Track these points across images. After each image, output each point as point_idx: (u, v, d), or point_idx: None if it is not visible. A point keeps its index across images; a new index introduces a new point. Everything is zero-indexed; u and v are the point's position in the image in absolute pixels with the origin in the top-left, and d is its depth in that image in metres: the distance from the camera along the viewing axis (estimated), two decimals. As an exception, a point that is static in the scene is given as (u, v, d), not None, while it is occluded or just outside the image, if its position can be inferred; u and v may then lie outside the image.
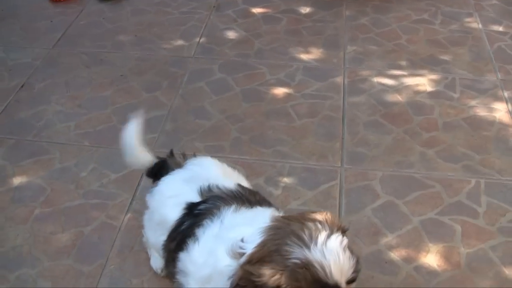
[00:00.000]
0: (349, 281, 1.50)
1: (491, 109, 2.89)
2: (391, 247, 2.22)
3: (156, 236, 1.96)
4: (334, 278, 1.46)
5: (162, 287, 2.10)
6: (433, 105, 2.91)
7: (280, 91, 2.99)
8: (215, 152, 2.61)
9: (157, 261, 2.13)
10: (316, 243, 1.46)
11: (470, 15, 3.64)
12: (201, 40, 3.40)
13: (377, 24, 3.52)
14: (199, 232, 1.75)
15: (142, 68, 3.18)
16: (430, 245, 2.23)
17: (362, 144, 2.68)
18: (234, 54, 3.27)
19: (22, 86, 3.07)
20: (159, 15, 3.65)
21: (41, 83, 3.09)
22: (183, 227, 1.83)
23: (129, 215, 2.36)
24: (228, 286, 1.54)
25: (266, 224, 1.54)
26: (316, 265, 1.45)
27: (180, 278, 1.78)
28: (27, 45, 3.39)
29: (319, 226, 1.50)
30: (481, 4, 3.76)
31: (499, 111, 2.88)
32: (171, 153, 2.09)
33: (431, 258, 2.18)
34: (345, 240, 1.51)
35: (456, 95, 2.97)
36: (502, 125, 2.79)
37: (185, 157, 2.10)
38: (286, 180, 2.49)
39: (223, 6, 3.72)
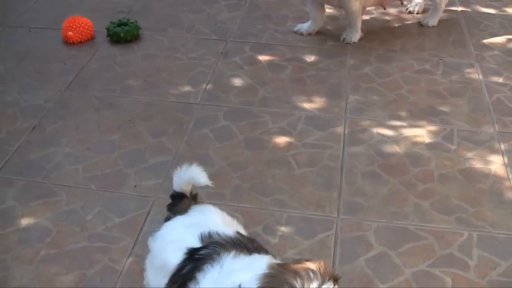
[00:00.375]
0: None
1: (487, 162, 2.96)
2: (382, 299, 2.29)
3: (157, 279, 2.04)
4: None
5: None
6: (430, 156, 2.99)
7: (281, 139, 3.09)
8: (216, 199, 2.70)
9: None
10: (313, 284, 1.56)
11: (471, 65, 3.74)
12: (207, 87, 3.52)
13: (380, 74, 3.62)
14: (200, 276, 1.83)
15: (149, 113, 3.30)
16: (421, 297, 2.30)
17: (358, 195, 2.76)
18: (239, 102, 3.38)
19: (34, 128, 3.19)
20: (168, 60, 3.78)
21: (52, 125, 3.21)
22: (184, 271, 1.92)
23: (131, 259, 2.45)
24: None
25: (263, 271, 1.63)
26: None
27: None
28: (40, 87, 3.52)
29: (311, 275, 1.58)
30: (482, 55, 3.86)
31: (495, 163, 2.95)
32: (183, 195, 2.21)
33: (421, 311, 2.25)
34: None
35: (453, 147, 3.05)
36: (497, 178, 2.87)
37: (195, 198, 2.23)
38: (283, 229, 2.58)
39: (231, 53, 3.84)
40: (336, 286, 1.60)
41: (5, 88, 3.53)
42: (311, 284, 1.57)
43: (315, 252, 2.46)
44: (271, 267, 1.66)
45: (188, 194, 2.24)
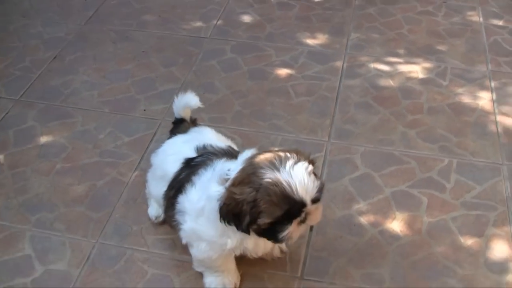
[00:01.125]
0: (314, 200, 1.87)
1: (475, 97, 3.13)
2: (361, 213, 2.51)
3: (158, 188, 2.32)
4: (299, 194, 1.82)
5: (157, 233, 2.45)
6: (422, 90, 3.16)
7: (283, 71, 3.29)
8: (218, 122, 2.93)
9: (153, 210, 2.49)
10: (285, 167, 1.83)
11: (473, 8, 3.86)
12: (218, 23, 3.72)
13: (383, 14, 3.77)
14: (195, 178, 2.11)
15: (162, 45, 3.52)
16: (397, 213, 2.52)
17: (350, 122, 2.97)
18: (247, 37, 3.58)
19: (54, 58, 3.44)
20: (183, -3, 3.99)
21: (71, 55, 3.46)
22: (181, 176, 2.20)
23: (136, 172, 2.71)
24: (217, 209, 1.92)
25: (247, 157, 1.92)
26: (284, 183, 1.81)
27: (178, 217, 2.14)
28: (61, 21, 3.76)
29: (288, 155, 1.87)
30: (486, -2, 3.98)
31: (483, 99, 3.12)
32: (183, 120, 2.45)
33: (396, 224, 2.47)
34: (310, 167, 1.87)
35: (445, 83, 3.22)
36: (483, 112, 3.03)
37: (195, 122, 2.49)
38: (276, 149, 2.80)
39: (243, -8, 4.03)
40: (311, 167, 1.87)
41: (30, 21, 3.78)
42: (287, 162, 1.83)
43: (304, 172, 2.69)
44: (254, 154, 1.93)
45: (187, 119, 2.48)
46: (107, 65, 3.37)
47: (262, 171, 1.84)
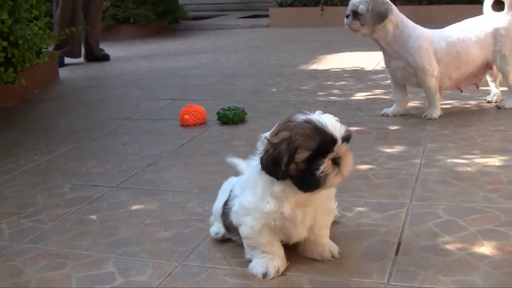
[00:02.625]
0: (344, 138, 2.12)
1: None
2: (447, 243, 2.49)
3: (218, 203, 2.60)
4: (330, 129, 2.08)
5: (241, 256, 2.46)
6: (500, 172, 3.22)
7: (363, 167, 3.44)
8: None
9: (214, 228, 2.66)
10: (314, 113, 2.13)
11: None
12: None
13: (457, 133, 3.97)
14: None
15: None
16: (484, 242, 2.46)
17: (430, 192, 3.02)
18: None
19: (150, 164, 3.74)
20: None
21: (165, 163, 3.75)
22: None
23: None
24: (258, 165, 2.19)
25: None
26: (315, 120, 2.09)
27: (230, 206, 2.40)
28: (158, 147, 4.12)
29: (317, 111, 2.17)
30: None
31: None
32: None
33: (484, 249, 2.40)
34: (338, 119, 2.16)
35: (523, 171, 3.28)
36: None
37: None
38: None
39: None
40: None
41: (128, 146, 4.16)
42: (316, 112, 2.15)
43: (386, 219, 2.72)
44: None
45: None
46: (197, 168, 3.62)
47: (295, 117, 2.14)
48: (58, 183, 3.51)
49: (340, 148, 2.11)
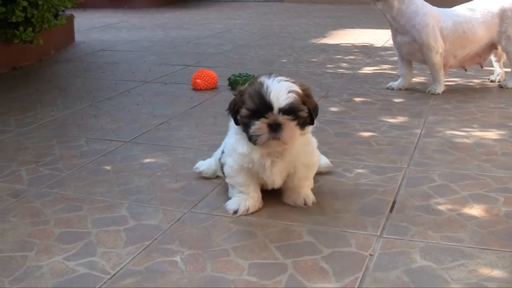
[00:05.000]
0: (283, 111, 2.35)
1: (550, 153, 3.30)
2: (439, 204, 2.65)
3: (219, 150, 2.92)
4: (269, 97, 2.34)
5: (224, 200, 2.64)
6: (495, 144, 3.38)
7: (366, 134, 3.61)
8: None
9: (202, 165, 3.02)
10: (274, 78, 2.38)
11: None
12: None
13: (458, 108, 4.12)
14: None
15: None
16: (474, 205, 2.63)
17: (427, 158, 3.18)
18: (332, 118, 3.97)
19: (161, 123, 3.91)
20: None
21: (177, 122, 3.92)
22: None
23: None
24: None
25: None
26: (264, 85, 2.36)
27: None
28: (169, 108, 4.29)
29: (285, 77, 2.42)
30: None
31: (557, 154, 3.28)
32: None
33: (473, 211, 2.58)
34: (294, 87, 2.38)
35: (519, 144, 3.43)
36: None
37: None
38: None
39: (331, 96, 4.50)
40: (297, 88, 2.40)
41: (141, 106, 4.33)
42: (278, 77, 2.40)
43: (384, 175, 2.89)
44: None
45: None
46: (207, 128, 3.79)
47: (260, 77, 2.42)
48: (74, 136, 3.69)
49: (275, 116, 2.35)
